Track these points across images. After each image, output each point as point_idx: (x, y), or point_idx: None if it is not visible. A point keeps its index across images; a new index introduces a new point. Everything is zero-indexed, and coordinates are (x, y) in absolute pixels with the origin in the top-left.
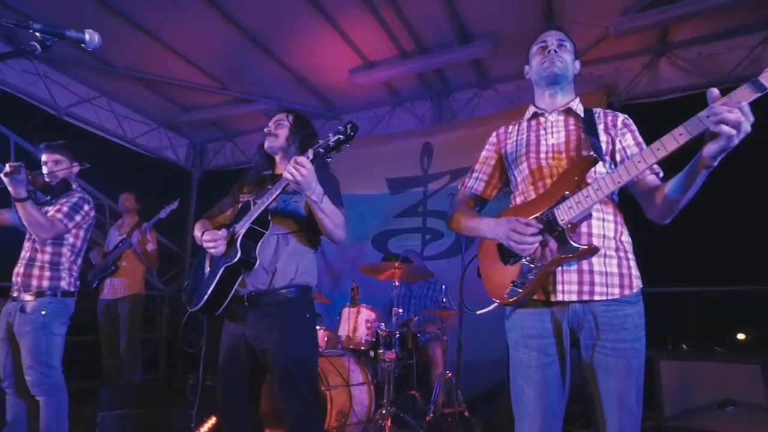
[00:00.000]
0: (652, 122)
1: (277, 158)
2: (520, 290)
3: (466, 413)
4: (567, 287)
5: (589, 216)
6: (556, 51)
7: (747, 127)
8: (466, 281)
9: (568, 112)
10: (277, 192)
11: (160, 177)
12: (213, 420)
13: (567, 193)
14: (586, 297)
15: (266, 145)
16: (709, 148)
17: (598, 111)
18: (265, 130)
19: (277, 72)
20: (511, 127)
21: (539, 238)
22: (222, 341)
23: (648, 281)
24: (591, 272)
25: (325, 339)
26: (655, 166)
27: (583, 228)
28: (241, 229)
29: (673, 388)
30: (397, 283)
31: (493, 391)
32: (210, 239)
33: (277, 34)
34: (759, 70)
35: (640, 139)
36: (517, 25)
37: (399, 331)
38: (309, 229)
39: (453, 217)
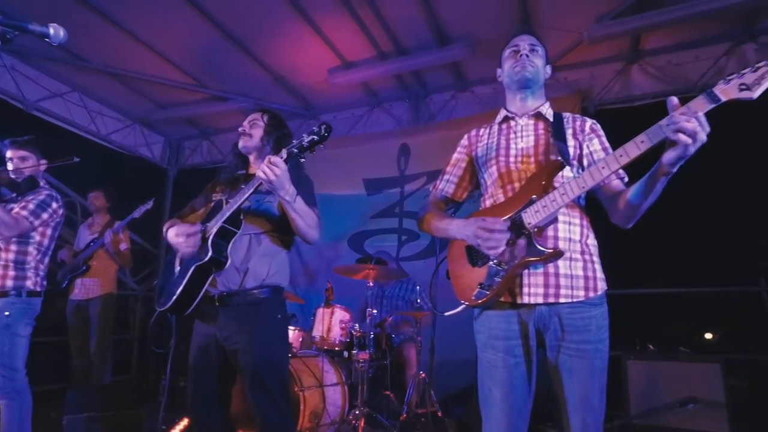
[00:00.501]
0: (624, 127)
1: (251, 158)
2: (487, 292)
3: (439, 413)
4: (533, 290)
5: (555, 219)
6: (527, 55)
7: (703, 137)
8: (440, 283)
9: (538, 116)
10: (250, 191)
11: (134, 175)
12: (185, 422)
13: (534, 197)
14: (551, 299)
15: (240, 144)
16: (668, 156)
17: (567, 116)
18: (240, 129)
19: (254, 70)
20: (482, 130)
21: (506, 238)
22: (192, 341)
23: (620, 283)
24: (557, 275)
25: (300, 339)
26: (620, 171)
27: (550, 231)
28: (213, 228)
29: (640, 386)
30: (371, 284)
31: (467, 391)
32: (181, 233)
33: (254, 32)
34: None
35: (607, 144)
36: (494, 28)
37: (373, 331)
38: (282, 229)
39: (424, 218)
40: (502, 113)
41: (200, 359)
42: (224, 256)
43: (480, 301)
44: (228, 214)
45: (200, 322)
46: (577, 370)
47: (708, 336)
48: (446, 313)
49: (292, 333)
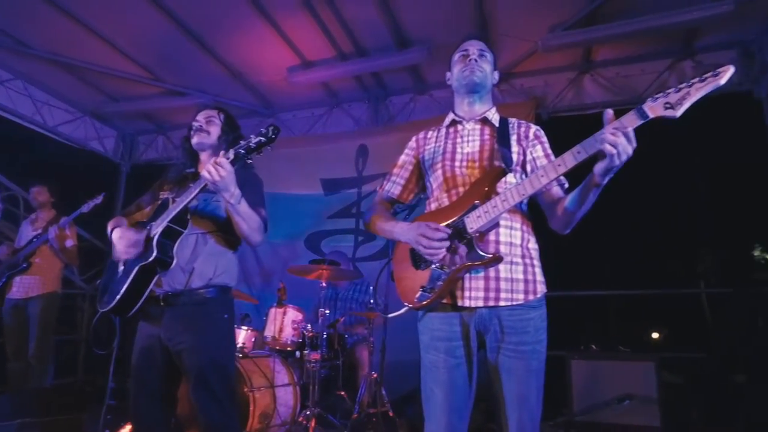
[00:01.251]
0: (577, 134)
1: (204, 156)
2: (429, 295)
3: (390, 413)
4: (474, 293)
5: (497, 224)
6: (476, 60)
7: (629, 151)
8: (392, 284)
9: (484, 121)
10: (196, 191)
11: (84, 169)
12: (128, 428)
13: (477, 202)
14: (491, 303)
15: (196, 141)
16: (598, 167)
17: (513, 121)
18: (195, 125)
19: (212, 66)
20: (430, 132)
21: (447, 244)
22: (136, 342)
23: (572, 286)
24: (497, 279)
25: (252, 340)
26: (561, 178)
27: (491, 236)
28: (158, 227)
29: (583, 385)
30: (324, 284)
31: (418, 391)
32: (123, 240)
33: (213, 27)
34: None
35: (549, 151)
36: (452, 33)
37: (326, 332)
38: (229, 229)
39: (371, 219)
40: (450, 117)
41: (143, 360)
42: (169, 257)
43: (422, 304)
44: (174, 213)
45: (144, 322)
46: (514, 370)
47: (654, 335)
48: (389, 315)
49: (245, 333)
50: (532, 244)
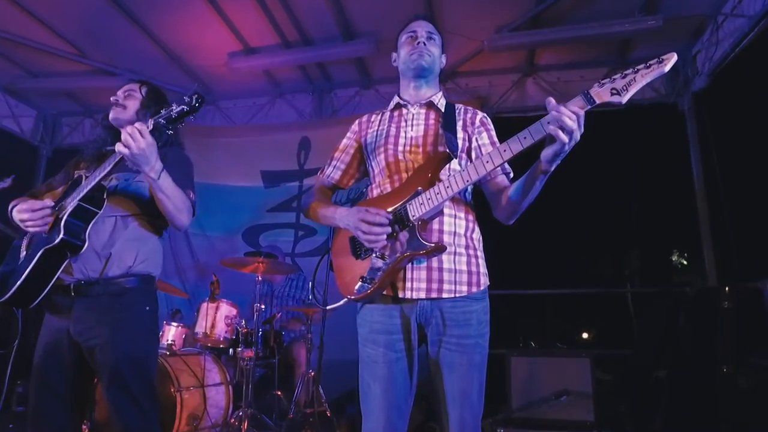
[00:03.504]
0: None
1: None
2: (369, 286)
3: (328, 413)
4: (416, 284)
5: (440, 213)
6: (425, 44)
7: (577, 135)
8: (332, 277)
9: (430, 105)
10: (110, 166)
11: None
12: None
13: (420, 188)
14: (434, 295)
15: (111, 116)
16: (545, 152)
17: (459, 107)
18: (112, 99)
19: (147, 45)
20: (374, 116)
21: (388, 230)
22: (40, 338)
23: (508, 284)
24: (440, 270)
25: (183, 336)
26: (506, 166)
27: (435, 225)
28: (69, 206)
29: (522, 382)
30: (259, 278)
31: (358, 390)
32: (25, 209)
33: (149, 3)
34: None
35: (495, 139)
36: (399, 27)
37: (261, 328)
38: (153, 212)
39: (310, 205)
40: (395, 100)
41: (49, 358)
42: (80, 239)
43: (361, 296)
44: (86, 190)
45: (51, 315)
46: (457, 364)
47: (584, 335)
48: (329, 307)
49: (175, 329)
50: (477, 235)
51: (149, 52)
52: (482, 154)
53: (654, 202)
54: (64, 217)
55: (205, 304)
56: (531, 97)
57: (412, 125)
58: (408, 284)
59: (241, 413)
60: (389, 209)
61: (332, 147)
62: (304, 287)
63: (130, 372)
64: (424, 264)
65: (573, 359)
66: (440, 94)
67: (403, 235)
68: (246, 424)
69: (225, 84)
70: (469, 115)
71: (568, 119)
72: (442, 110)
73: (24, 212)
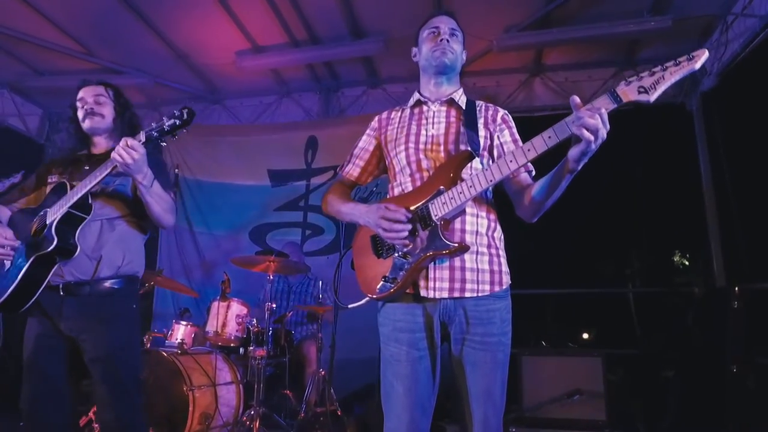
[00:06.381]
0: (526, 135)
1: (99, 139)
2: (392, 285)
3: (339, 412)
4: (438, 284)
5: (462, 212)
6: (448, 40)
7: (603, 134)
8: (345, 277)
9: (451, 103)
10: (103, 175)
11: (0, 148)
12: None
13: (442, 188)
14: (457, 294)
15: (89, 125)
16: (572, 152)
17: (480, 104)
18: (84, 107)
19: (154, 44)
20: (393, 113)
21: (408, 226)
22: (26, 336)
23: (514, 284)
24: (462, 269)
25: (192, 335)
26: (528, 164)
27: (457, 224)
28: (56, 213)
29: (533, 381)
30: (271, 277)
31: (367, 389)
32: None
33: (156, 1)
34: None
35: (517, 136)
36: (408, 27)
37: (272, 327)
38: (136, 213)
39: (329, 200)
40: (415, 97)
41: (42, 354)
42: (71, 244)
43: (383, 295)
44: (75, 198)
45: (37, 314)
46: (481, 362)
47: (585, 336)
48: (350, 305)
49: (184, 328)
50: (498, 234)
51: (156, 51)
52: (504, 152)
53: (659, 202)
54: (54, 224)
55: (216, 303)
56: (538, 97)
57: (432, 123)
58: (431, 283)
59: (252, 412)
60: (411, 208)
61: (340, 146)
62: (315, 285)
63: (122, 366)
64: (447, 263)
65: (584, 358)
66: (461, 91)
67: (426, 235)
68: (257, 423)
69: (232, 83)
70: (490, 113)
71: (590, 118)
72: (463, 107)
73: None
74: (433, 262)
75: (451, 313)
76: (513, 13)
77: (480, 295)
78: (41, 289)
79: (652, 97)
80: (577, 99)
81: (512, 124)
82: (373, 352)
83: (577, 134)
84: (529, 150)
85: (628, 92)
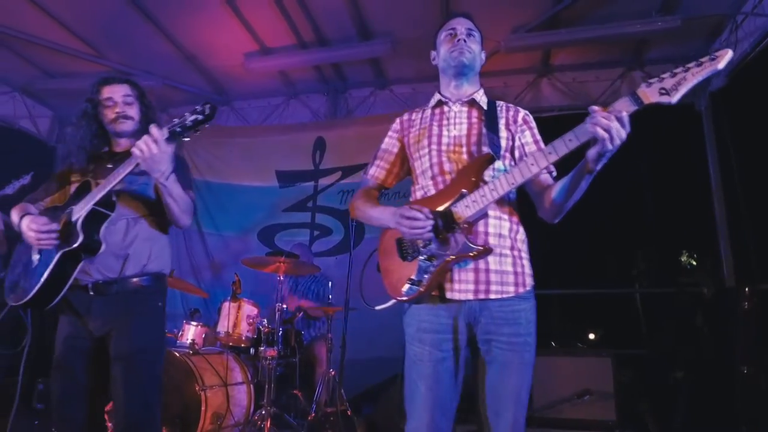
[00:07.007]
0: None
1: (122, 139)
2: (417, 288)
3: (349, 412)
4: (463, 286)
5: (485, 215)
6: (465, 41)
7: (622, 135)
8: (356, 277)
9: (472, 103)
10: (127, 170)
11: (12, 150)
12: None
13: (464, 191)
14: (481, 296)
15: (119, 128)
16: (590, 152)
17: (500, 104)
18: (116, 110)
19: (163, 46)
20: (414, 114)
21: (430, 223)
22: (58, 336)
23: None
24: (487, 271)
25: (203, 336)
26: (550, 166)
27: (480, 227)
28: (82, 210)
29: (543, 381)
30: (281, 278)
31: (377, 389)
32: (35, 228)
33: (165, 3)
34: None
35: (539, 137)
36: (415, 28)
37: (282, 327)
38: (159, 212)
39: (357, 206)
40: (436, 97)
41: (70, 353)
42: (96, 241)
43: (409, 297)
44: (101, 195)
45: (68, 313)
46: (509, 363)
47: (591, 336)
48: (377, 307)
49: (194, 329)
50: (521, 236)
51: (165, 53)
52: (526, 154)
53: (667, 201)
54: (80, 221)
55: (227, 304)
56: (546, 98)
57: (454, 123)
58: (456, 285)
59: (263, 412)
60: (435, 211)
61: (347, 147)
62: (326, 285)
63: (144, 364)
64: (471, 266)
65: (594, 359)
66: (481, 91)
67: (450, 238)
68: (268, 423)
69: (240, 84)
70: (511, 113)
71: (603, 118)
72: (485, 108)
73: (32, 231)
74: (457, 265)
75: (477, 315)
76: (521, 13)
77: (504, 296)
78: (68, 285)
79: (675, 98)
80: (595, 108)
81: (533, 124)
82: (380, 352)
83: (592, 133)
84: (550, 153)
85: (650, 94)
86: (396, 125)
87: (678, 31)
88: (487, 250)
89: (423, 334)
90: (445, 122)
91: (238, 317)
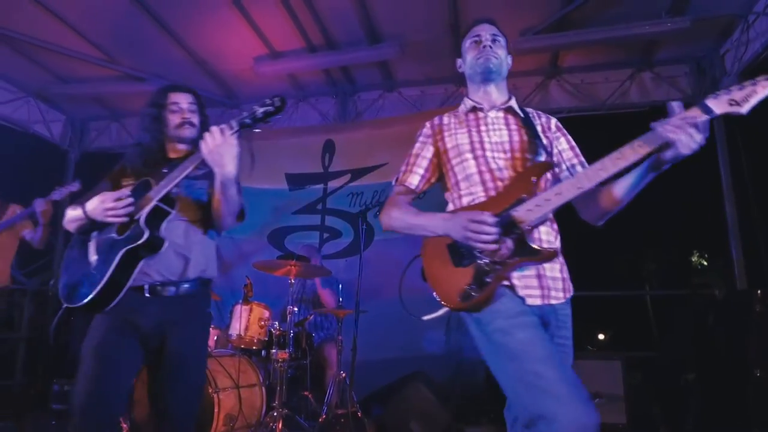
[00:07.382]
0: None
1: (180, 145)
2: (476, 294)
3: (359, 414)
4: (531, 291)
5: (546, 220)
6: (490, 46)
7: (700, 139)
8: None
9: (508, 110)
10: (192, 166)
11: (27, 154)
12: None
13: (524, 196)
14: (546, 301)
15: (185, 134)
16: (666, 154)
17: (531, 111)
18: (183, 116)
19: (174, 51)
20: (446, 118)
21: (496, 230)
22: (93, 336)
23: None
24: (545, 277)
25: (215, 338)
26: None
27: (534, 233)
28: (146, 207)
29: None
30: (292, 281)
31: (385, 391)
32: (108, 198)
33: (177, 8)
34: (628, 101)
35: (573, 143)
36: (423, 32)
37: (293, 330)
38: (208, 218)
39: (393, 216)
40: (469, 103)
41: (113, 337)
42: (159, 238)
43: (468, 304)
44: (166, 190)
45: (111, 313)
46: (567, 365)
47: (600, 336)
48: (425, 317)
49: None
50: (559, 242)
51: (176, 57)
52: (563, 160)
53: (677, 202)
54: (143, 217)
55: (238, 306)
56: (554, 100)
57: (494, 130)
58: (520, 291)
59: (275, 413)
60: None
61: (356, 149)
62: (337, 289)
63: (194, 369)
64: (533, 272)
65: (603, 362)
66: (514, 99)
67: (510, 242)
68: (280, 424)
69: (249, 88)
70: (543, 120)
71: (679, 128)
72: (522, 115)
73: (107, 201)
74: (518, 270)
75: (547, 317)
76: (529, 16)
77: (561, 301)
78: (128, 286)
79: (745, 108)
80: (673, 105)
81: (565, 131)
82: (390, 353)
83: (673, 140)
84: (618, 159)
85: (720, 104)
86: (426, 130)
87: (688, 32)
88: (552, 254)
89: (521, 317)
90: (483, 128)
91: (249, 320)
